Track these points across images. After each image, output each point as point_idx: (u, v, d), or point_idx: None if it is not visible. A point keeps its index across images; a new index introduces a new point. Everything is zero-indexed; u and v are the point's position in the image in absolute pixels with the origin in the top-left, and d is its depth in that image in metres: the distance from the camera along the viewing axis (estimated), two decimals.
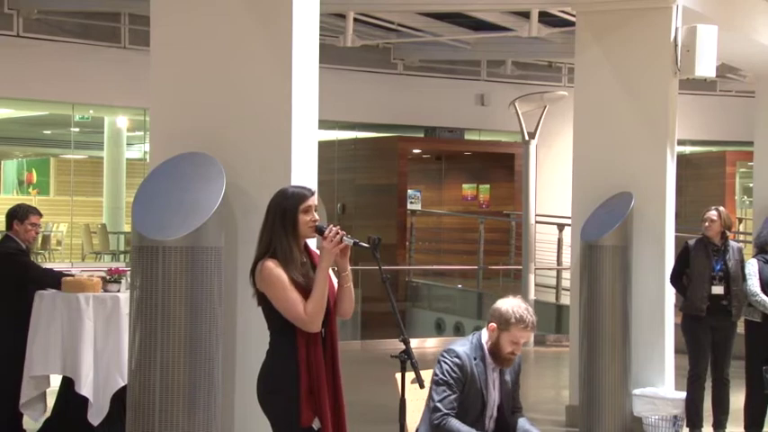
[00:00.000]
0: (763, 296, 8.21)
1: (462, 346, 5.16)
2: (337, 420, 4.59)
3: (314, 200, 4.67)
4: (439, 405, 5.05)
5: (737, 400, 8.68)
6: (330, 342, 4.61)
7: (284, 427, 4.55)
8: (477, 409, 5.13)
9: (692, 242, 8.48)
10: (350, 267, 4.64)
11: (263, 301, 4.58)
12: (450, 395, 5.05)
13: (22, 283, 7.50)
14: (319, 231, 4.61)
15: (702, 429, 8.49)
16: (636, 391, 8.78)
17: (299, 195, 4.64)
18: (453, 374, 5.06)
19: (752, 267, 8.44)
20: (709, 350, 8.41)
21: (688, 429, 8.52)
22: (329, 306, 4.59)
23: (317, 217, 4.66)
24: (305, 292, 4.50)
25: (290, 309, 4.48)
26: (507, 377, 5.24)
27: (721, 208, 8.52)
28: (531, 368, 12.94)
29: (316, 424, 4.49)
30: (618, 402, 8.68)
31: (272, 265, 4.51)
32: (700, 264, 8.34)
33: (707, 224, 8.37)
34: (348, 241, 4.54)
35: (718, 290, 8.28)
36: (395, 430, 4.65)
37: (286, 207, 4.60)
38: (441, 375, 5.08)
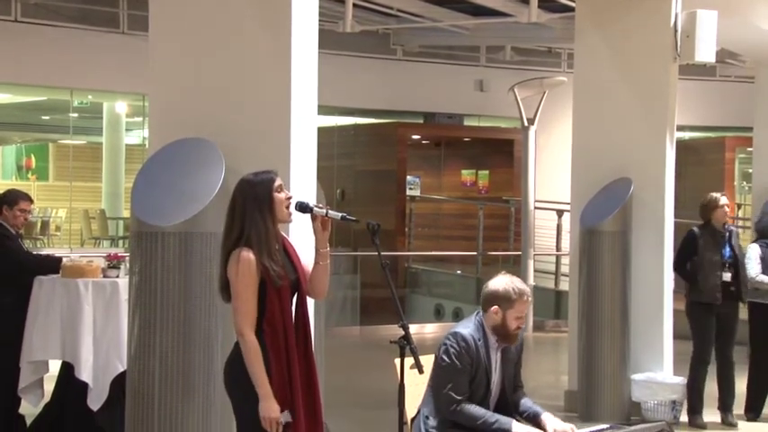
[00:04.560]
0: (763, 276, 8.27)
1: (466, 327, 5.13)
2: (312, 410, 4.44)
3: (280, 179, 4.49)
4: (452, 393, 5.01)
5: (740, 384, 8.68)
6: (302, 331, 4.48)
7: (247, 415, 4.34)
8: (482, 390, 5.11)
9: (697, 230, 8.42)
10: (329, 246, 4.52)
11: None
12: (461, 380, 5.02)
13: (14, 267, 7.44)
14: (302, 208, 4.49)
15: (702, 414, 8.49)
16: (634, 377, 8.78)
17: (267, 177, 4.44)
18: (462, 358, 5.03)
19: (752, 252, 8.47)
20: (714, 335, 8.40)
21: (687, 413, 8.53)
22: (301, 293, 4.47)
23: (291, 194, 4.52)
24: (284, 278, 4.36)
25: (240, 312, 4.29)
26: (510, 356, 5.23)
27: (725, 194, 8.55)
28: (530, 354, 12.94)
29: (285, 417, 4.31)
30: (616, 387, 8.68)
31: (250, 258, 4.29)
32: (710, 252, 8.29)
33: (726, 209, 8.34)
34: (321, 212, 4.44)
35: (726, 276, 8.28)
36: (394, 415, 4.65)
37: (257, 190, 4.39)
38: (449, 361, 5.03)
